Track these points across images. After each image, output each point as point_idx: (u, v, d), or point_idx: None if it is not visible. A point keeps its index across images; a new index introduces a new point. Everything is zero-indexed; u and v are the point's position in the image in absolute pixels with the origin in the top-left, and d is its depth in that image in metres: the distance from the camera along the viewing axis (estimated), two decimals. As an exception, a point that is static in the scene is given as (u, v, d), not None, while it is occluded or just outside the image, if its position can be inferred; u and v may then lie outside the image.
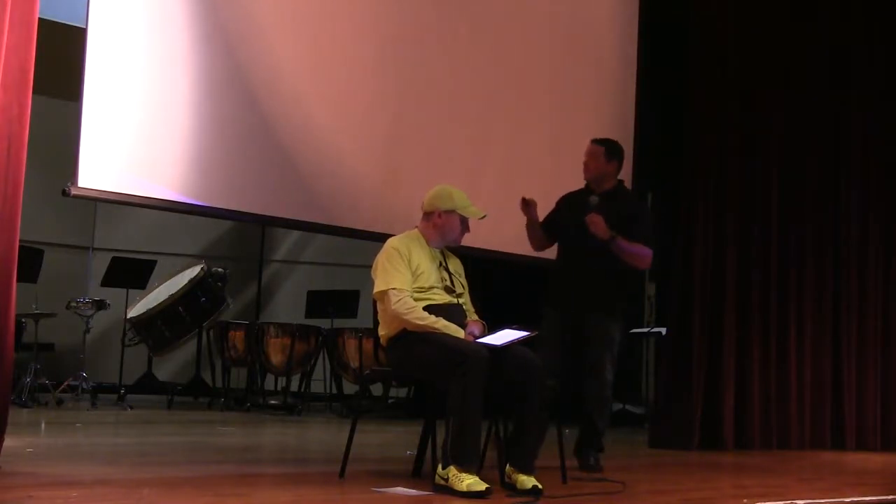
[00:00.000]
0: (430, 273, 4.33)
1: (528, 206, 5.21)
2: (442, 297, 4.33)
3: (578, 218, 5.13)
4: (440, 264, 4.43)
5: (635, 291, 5.43)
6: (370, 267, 4.39)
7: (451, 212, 4.41)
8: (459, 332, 4.21)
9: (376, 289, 4.28)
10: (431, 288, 4.31)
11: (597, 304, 5.19)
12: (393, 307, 4.20)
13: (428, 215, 4.44)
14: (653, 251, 5.22)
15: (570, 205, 5.37)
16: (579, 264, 5.20)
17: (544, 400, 4.26)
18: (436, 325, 4.17)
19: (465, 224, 4.46)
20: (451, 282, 4.42)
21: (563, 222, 5.33)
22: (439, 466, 4.07)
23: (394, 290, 4.21)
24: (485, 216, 4.49)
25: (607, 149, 5.34)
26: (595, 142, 5.41)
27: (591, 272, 5.16)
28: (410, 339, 4.22)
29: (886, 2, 7.92)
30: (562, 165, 5.32)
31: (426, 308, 4.23)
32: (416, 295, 4.26)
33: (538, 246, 5.45)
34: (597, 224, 5.06)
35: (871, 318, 7.78)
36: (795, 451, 7.08)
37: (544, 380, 4.26)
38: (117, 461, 4.82)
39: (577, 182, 5.43)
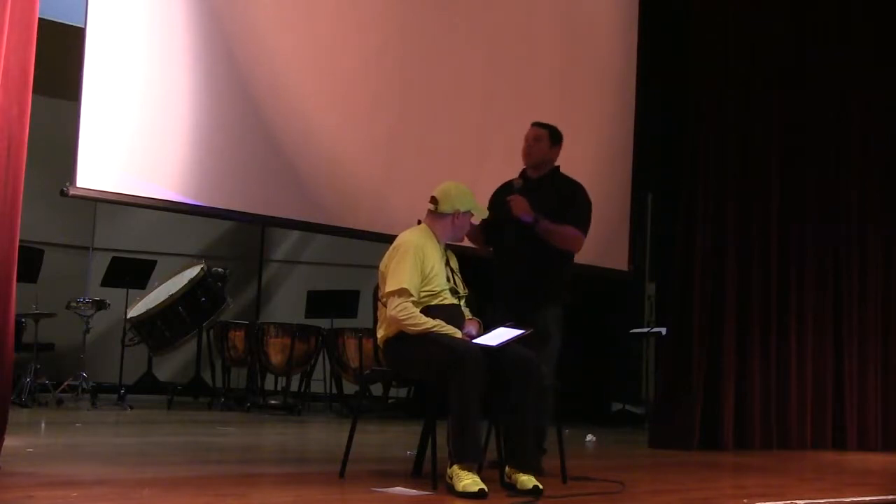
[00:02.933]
0: (440, 275, 4.34)
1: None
2: (449, 301, 4.34)
3: (510, 212, 4.93)
4: (446, 262, 4.45)
5: (570, 279, 5.25)
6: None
7: (468, 213, 4.46)
8: (457, 333, 4.22)
9: (388, 288, 4.25)
10: (442, 291, 4.32)
11: (533, 296, 4.98)
12: (391, 312, 4.21)
13: (444, 215, 4.43)
14: (585, 233, 5.03)
15: (503, 200, 5.05)
16: (515, 258, 4.99)
17: (542, 398, 4.25)
18: (433, 330, 4.17)
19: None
20: (454, 281, 4.44)
21: (498, 218, 4.99)
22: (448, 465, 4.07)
23: (397, 295, 4.19)
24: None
25: (551, 133, 5.17)
26: (538, 125, 5.21)
27: (525, 264, 4.95)
28: (408, 339, 4.22)
29: (887, 1, 7.92)
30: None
31: (431, 308, 4.24)
32: (425, 299, 4.26)
33: (482, 249, 5.22)
34: (518, 205, 4.90)
35: (871, 317, 7.77)
36: (796, 451, 7.07)
37: (542, 378, 4.26)
38: (117, 461, 4.82)
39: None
